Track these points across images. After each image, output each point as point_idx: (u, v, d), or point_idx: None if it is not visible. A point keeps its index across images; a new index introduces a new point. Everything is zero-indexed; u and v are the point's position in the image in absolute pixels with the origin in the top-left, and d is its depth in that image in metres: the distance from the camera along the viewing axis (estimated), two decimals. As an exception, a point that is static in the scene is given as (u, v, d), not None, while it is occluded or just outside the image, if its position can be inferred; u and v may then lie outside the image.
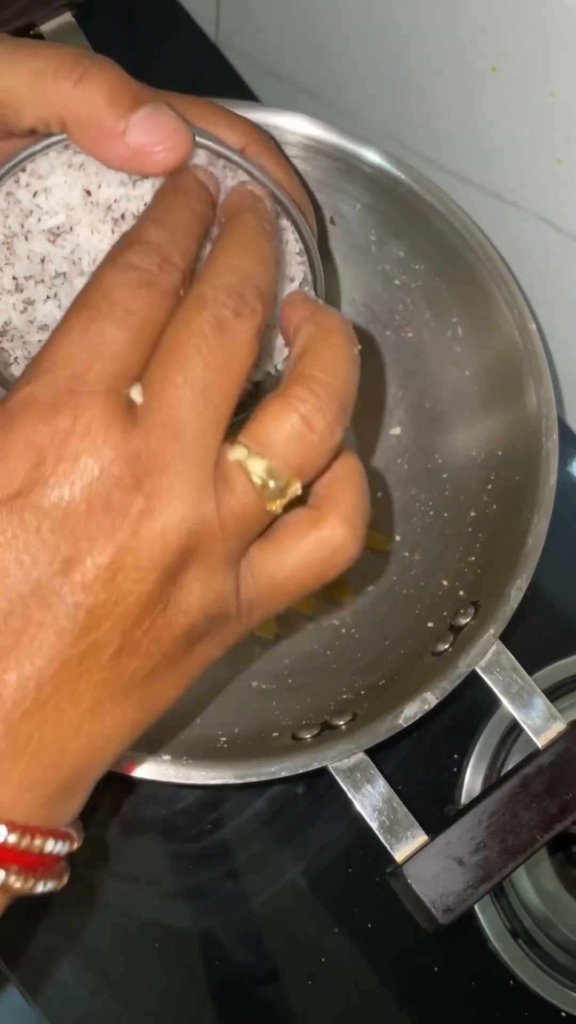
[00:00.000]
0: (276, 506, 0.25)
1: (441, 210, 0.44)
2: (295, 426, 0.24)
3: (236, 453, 0.24)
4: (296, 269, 0.34)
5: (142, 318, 0.24)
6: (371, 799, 0.39)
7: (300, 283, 0.34)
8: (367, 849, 0.49)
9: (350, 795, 0.39)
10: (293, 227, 0.32)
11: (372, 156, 0.45)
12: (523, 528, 0.41)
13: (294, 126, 0.45)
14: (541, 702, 0.40)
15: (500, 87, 0.46)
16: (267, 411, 0.24)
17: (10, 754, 0.23)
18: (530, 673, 0.41)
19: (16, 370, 0.32)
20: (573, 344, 0.52)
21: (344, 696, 0.43)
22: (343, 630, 0.47)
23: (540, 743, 0.40)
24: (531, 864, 0.49)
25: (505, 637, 0.41)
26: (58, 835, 0.25)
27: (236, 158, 0.30)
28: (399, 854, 0.38)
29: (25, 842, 0.23)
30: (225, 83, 0.60)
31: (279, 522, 0.26)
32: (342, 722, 0.40)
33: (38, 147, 0.29)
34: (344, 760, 0.39)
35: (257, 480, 0.24)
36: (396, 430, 0.50)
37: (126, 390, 0.23)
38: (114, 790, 0.49)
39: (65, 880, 0.26)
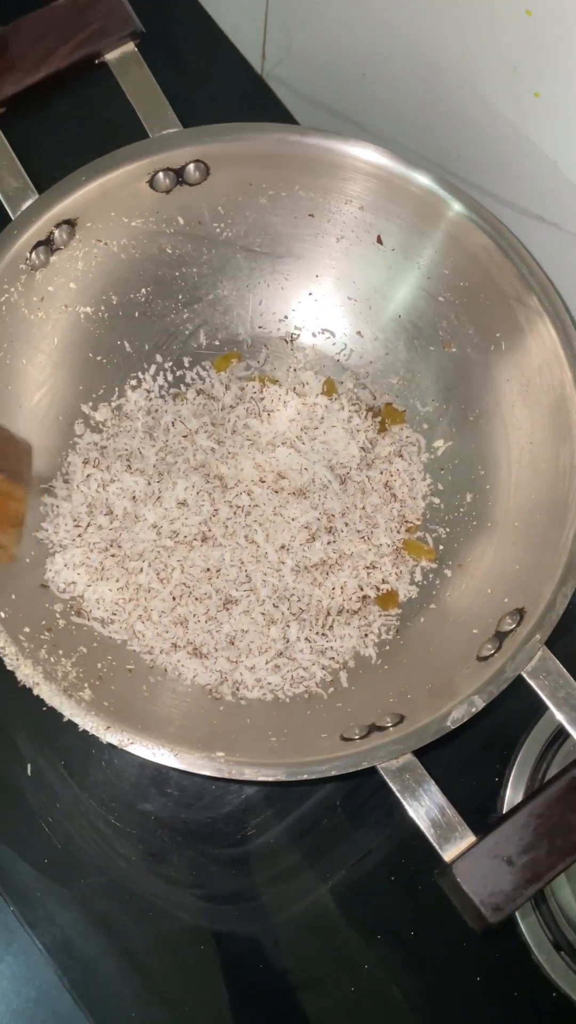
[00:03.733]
0: None
1: (487, 229, 0.46)
2: None
3: None
4: None
5: None
6: (421, 800, 0.39)
7: None
8: (410, 856, 0.49)
9: (399, 796, 0.39)
10: None
11: (422, 179, 0.46)
12: (570, 534, 0.42)
13: (341, 147, 0.46)
14: (587, 706, 0.41)
15: (542, 111, 0.47)
16: None
17: None
18: None
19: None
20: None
21: (391, 699, 0.43)
22: (389, 637, 0.48)
23: (587, 747, 0.40)
24: (572, 873, 0.49)
25: (550, 644, 0.41)
26: None
27: None
28: (448, 854, 0.38)
29: None
30: (269, 111, 0.62)
31: None
32: (390, 723, 0.41)
33: None
34: (393, 761, 0.40)
35: None
36: (439, 443, 0.51)
37: None
38: (159, 793, 0.50)
39: None
